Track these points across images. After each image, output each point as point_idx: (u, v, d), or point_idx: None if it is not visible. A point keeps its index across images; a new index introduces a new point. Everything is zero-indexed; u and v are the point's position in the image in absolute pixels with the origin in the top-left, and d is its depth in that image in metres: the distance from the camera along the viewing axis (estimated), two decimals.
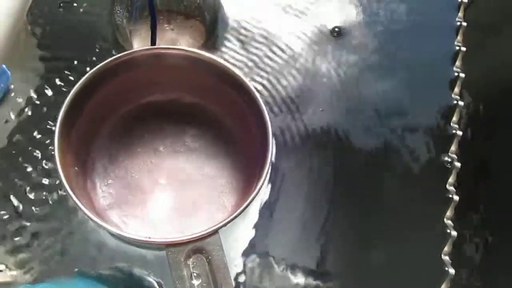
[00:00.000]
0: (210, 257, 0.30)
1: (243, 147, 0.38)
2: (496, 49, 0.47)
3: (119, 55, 0.34)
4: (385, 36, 0.48)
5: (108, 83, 0.35)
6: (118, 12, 0.45)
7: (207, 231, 0.30)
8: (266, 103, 0.44)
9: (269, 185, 0.41)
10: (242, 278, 0.38)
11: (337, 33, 0.48)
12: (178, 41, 0.45)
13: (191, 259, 0.30)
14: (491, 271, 0.40)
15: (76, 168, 0.34)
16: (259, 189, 0.31)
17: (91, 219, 0.30)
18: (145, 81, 0.38)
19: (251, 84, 0.34)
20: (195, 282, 0.30)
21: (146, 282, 0.37)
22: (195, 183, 0.38)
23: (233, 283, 0.34)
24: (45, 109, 0.42)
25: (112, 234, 0.34)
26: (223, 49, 0.46)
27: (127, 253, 0.37)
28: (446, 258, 0.40)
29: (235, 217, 0.30)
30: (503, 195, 0.42)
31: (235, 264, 0.38)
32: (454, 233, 0.40)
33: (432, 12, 0.50)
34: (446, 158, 0.43)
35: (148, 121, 0.39)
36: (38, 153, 0.40)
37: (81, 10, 0.46)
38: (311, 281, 0.39)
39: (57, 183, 0.39)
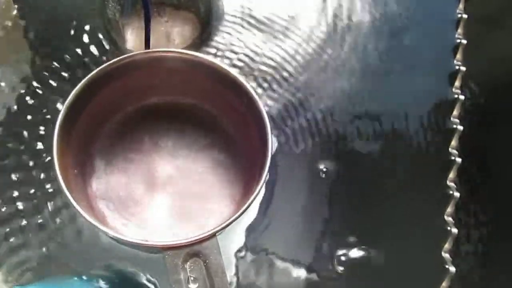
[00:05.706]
0: (207, 261, 0.30)
1: (243, 149, 0.38)
2: (498, 42, 0.46)
3: (119, 58, 0.34)
4: (385, 28, 0.47)
5: (107, 86, 0.35)
6: (110, 5, 0.44)
7: (204, 235, 0.29)
8: (265, 100, 0.43)
9: (267, 183, 0.40)
10: (239, 276, 0.38)
11: (337, 25, 0.47)
12: (171, 34, 0.44)
13: (188, 263, 0.30)
14: (492, 269, 0.40)
15: (75, 170, 0.34)
16: (258, 192, 0.31)
17: (88, 221, 0.30)
18: (144, 84, 0.37)
19: (250, 87, 0.33)
20: (192, 286, 0.30)
21: (142, 282, 0.37)
22: (194, 185, 0.38)
23: None
24: (35, 104, 0.41)
25: (110, 237, 0.34)
26: (219, 41, 0.45)
27: (122, 253, 0.37)
28: (446, 255, 0.39)
29: (233, 220, 0.30)
30: (504, 190, 0.42)
31: (231, 262, 0.38)
32: (454, 230, 0.40)
33: (432, 4, 0.49)
34: (447, 154, 0.43)
35: (147, 123, 0.39)
36: (28, 149, 0.40)
37: (72, 4, 0.45)
38: (310, 278, 0.38)
39: (47, 178, 0.39)
